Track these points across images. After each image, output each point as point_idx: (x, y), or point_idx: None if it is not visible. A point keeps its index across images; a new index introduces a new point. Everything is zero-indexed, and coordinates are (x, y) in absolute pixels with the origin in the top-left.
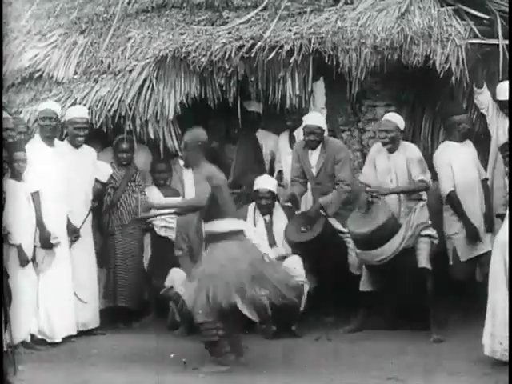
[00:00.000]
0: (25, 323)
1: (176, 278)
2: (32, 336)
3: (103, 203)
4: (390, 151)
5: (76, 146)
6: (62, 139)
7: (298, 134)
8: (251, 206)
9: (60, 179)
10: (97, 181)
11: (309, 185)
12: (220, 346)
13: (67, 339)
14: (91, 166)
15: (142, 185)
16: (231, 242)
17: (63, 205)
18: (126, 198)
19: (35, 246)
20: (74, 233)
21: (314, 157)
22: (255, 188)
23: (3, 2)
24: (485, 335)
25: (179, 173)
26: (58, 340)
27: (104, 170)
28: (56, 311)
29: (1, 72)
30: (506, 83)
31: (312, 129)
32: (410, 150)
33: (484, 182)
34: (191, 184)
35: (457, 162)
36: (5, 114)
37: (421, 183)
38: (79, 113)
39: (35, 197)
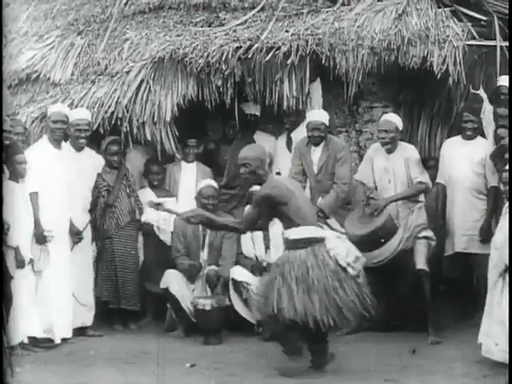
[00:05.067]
0: (22, 325)
1: (171, 280)
2: (29, 337)
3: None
4: (389, 152)
5: (78, 148)
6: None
7: (296, 135)
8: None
9: (63, 181)
10: (98, 175)
11: (308, 182)
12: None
13: (64, 341)
14: (92, 170)
15: (135, 184)
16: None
17: (65, 207)
18: (120, 200)
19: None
20: (76, 235)
21: (316, 154)
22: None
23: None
24: (481, 335)
25: (174, 174)
26: (58, 341)
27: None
28: (54, 313)
29: (0, 73)
30: (506, 76)
31: (316, 125)
32: (408, 151)
33: (491, 189)
34: (190, 182)
35: (447, 158)
36: None
37: (419, 185)
38: (80, 114)
39: (33, 197)
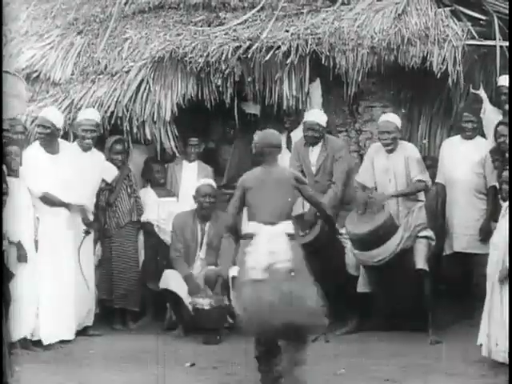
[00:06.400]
0: (22, 324)
1: (170, 279)
2: (29, 337)
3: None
4: (389, 151)
5: (84, 148)
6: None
7: (295, 135)
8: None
9: (61, 183)
10: (102, 180)
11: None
12: None
13: (64, 340)
14: (99, 170)
15: (136, 185)
16: None
17: (65, 208)
18: (121, 200)
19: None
20: (90, 226)
21: (314, 154)
22: None
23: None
24: (481, 335)
25: (175, 173)
26: (53, 341)
27: (110, 170)
28: (56, 312)
29: (0, 72)
30: (506, 76)
31: (311, 125)
32: (408, 150)
33: (491, 189)
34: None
35: (447, 157)
36: None
37: (419, 183)
38: (88, 115)
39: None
